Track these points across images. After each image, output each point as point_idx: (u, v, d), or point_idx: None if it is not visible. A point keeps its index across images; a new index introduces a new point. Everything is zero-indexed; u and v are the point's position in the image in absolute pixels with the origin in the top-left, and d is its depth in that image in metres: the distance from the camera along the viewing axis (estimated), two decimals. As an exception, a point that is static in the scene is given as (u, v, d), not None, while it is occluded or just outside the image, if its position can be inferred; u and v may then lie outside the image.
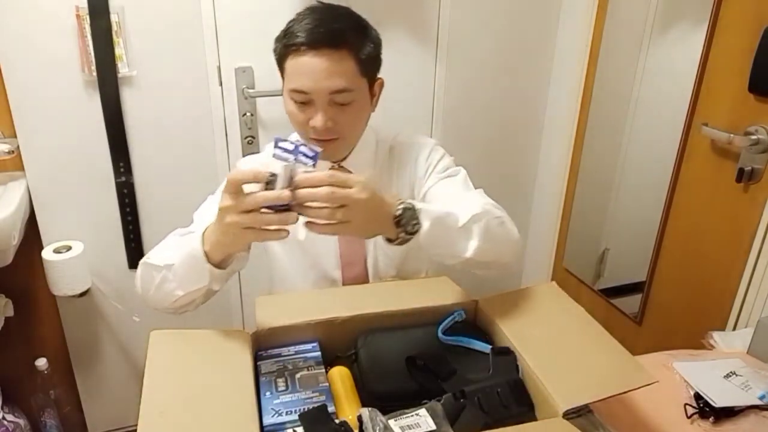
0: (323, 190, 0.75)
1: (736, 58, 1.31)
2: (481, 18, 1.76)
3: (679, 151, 1.49)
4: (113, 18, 1.42)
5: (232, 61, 1.57)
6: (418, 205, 0.86)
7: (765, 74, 1.25)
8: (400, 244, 0.86)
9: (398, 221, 0.84)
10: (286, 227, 0.77)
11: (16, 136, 1.46)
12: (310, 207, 0.76)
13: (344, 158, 1.09)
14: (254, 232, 0.78)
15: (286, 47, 0.96)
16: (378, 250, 1.13)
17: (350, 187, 0.76)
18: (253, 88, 1.60)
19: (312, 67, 0.94)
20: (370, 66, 1.00)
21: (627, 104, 1.68)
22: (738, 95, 1.32)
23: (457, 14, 1.73)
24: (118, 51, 1.46)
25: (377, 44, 1.01)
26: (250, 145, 1.67)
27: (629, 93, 1.66)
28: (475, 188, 1.09)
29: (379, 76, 1.05)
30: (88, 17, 1.40)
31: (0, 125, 1.45)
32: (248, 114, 1.64)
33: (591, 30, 1.76)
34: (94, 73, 1.45)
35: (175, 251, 0.90)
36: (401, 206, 0.84)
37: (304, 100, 0.97)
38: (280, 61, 1.00)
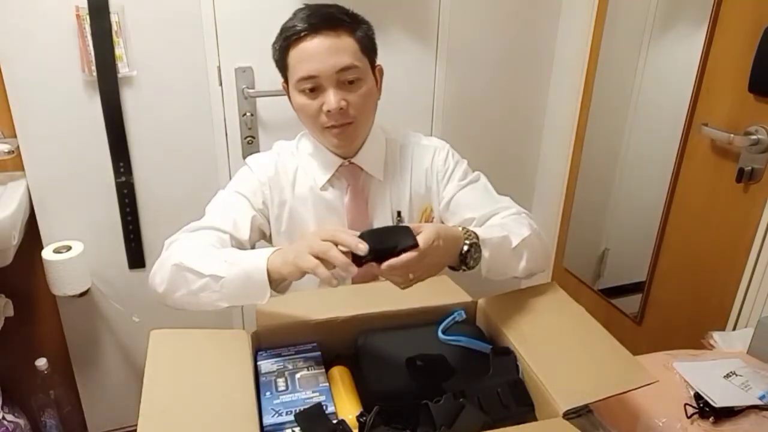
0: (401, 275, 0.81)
1: (736, 58, 1.31)
2: (481, 18, 1.76)
3: (679, 151, 1.49)
4: (113, 18, 1.42)
5: (232, 61, 1.57)
6: (481, 236, 0.91)
7: (765, 74, 1.25)
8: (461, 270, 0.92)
9: (464, 258, 0.89)
10: (336, 279, 0.79)
11: (16, 136, 1.46)
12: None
13: (355, 153, 1.10)
14: (316, 261, 0.79)
15: (286, 39, 1.00)
16: None
17: (424, 258, 0.79)
18: (253, 88, 1.60)
19: (316, 49, 0.98)
20: (368, 45, 1.04)
21: (627, 104, 1.68)
22: (738, 95, 1.32)
23: (457, 14, 1.73)
24: (118, 51, 1.46)
25: (370, 27, 1.05)
26: (250, 145, 1.67)
27: (629, 93, 1.66)
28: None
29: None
30: (88, 17, 1.40)
31: (0, 125, 1.45)
32: (248, 114, 1.64)
33: (591, 30, 1.76)
34: (94, 73, 1.45)
35: (227, 265, 0.88)
36: (467, 243, 0.89)
37: (313, 86, 1.00)
38: (282, 58, 1.03)
